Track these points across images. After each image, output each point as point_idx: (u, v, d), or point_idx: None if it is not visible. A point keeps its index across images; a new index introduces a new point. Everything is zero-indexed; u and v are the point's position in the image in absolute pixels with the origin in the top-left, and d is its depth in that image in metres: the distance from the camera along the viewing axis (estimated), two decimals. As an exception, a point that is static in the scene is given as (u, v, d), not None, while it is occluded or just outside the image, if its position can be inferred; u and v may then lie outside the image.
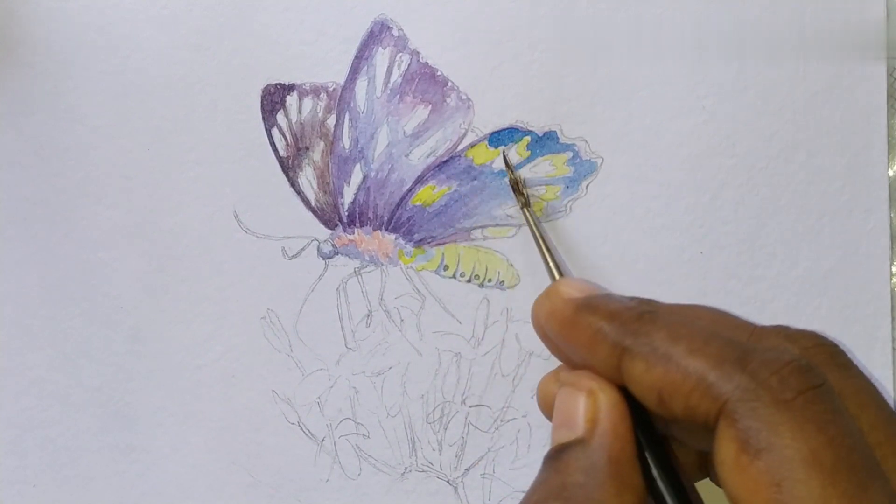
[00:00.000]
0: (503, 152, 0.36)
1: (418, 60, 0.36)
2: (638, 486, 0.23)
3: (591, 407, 0.24)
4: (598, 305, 0.25)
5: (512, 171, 0.35)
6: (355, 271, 0.37)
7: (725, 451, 0.21)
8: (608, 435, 0.24)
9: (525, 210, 0.34)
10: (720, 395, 0.21)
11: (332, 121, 0.36)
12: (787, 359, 0.22)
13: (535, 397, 0.29)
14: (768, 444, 0.21)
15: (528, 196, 0.35)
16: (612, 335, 0.24)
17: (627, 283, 0.35)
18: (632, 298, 0.25)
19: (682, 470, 0.24)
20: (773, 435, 0.21)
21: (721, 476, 0.22)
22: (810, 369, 0.22)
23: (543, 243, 0.33)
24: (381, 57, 0.36)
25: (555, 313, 0.26)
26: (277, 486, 0.37)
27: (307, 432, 0.37)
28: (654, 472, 0.23)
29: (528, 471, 0.37)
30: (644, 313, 0.24)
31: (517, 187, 0.35)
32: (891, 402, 0.24)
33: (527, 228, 0.36)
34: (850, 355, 0.24)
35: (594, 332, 0.24)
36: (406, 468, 0.37)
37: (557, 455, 0.24)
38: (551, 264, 0.32)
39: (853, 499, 0.20)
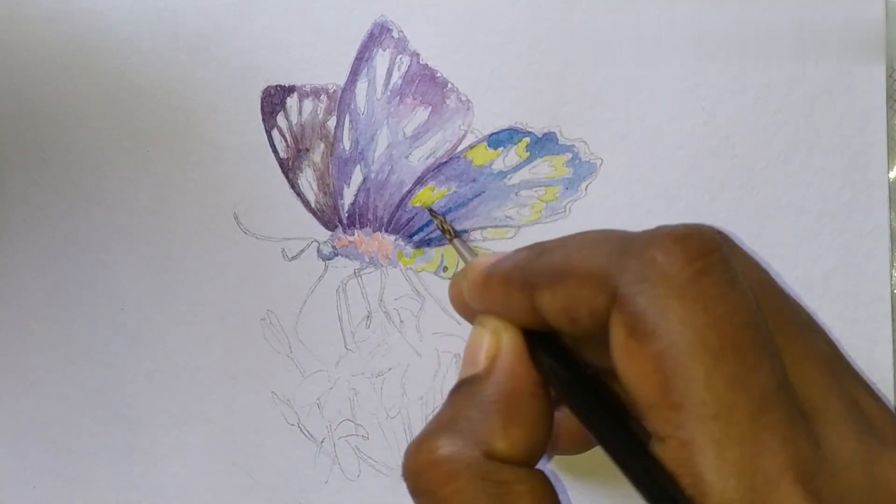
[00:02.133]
0: (430, 211, 0.36)
1: (418, 62, 0.36)
2: (531, 423, 0.23)
3: (493, 345, 0.24)
4: (501, 263, 0.25)
5: (435, 216, 0.36)
6: (355, 272, 0.37)
7: (616, 336, 0.21)
8: (504, 372, 0.24)
9: (453, 242, 0.35)
10: (611, 284, 0.21)
11: (332, 122, 0.37)
12: (673, 231, 0.21)
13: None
14: (654, 328, 0.20)
15: (450, 229, 0.36)
16: (519, 280, 0.24)
17: (627, 284, 0.35)
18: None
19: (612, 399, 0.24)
20: (660, 318, 0.20)
21: (615, 365, 0.21)
22: (699, 237, 0.21)
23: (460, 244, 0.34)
24: (381, 59, 0.36)
25: (472, 285, 0.26)
26: (277, 487, 0.37)
27: (307, 433, 0.37)
28: (566, 394, 0.23)
29: (527, 472, 0.37)
30: (540, 249, 0.24)
31: (443, 226, 0.36)
32: None
33: (526, 229, 0.36)
34: (737, 242, 0.23)
35: (504, 287, 0.24)
36: (406, 469, 0.37)
37: (457, 389, 0.24)
38: (466, 255, 0.34)
39: (736, 383, 0.19)
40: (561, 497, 0.23)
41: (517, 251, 0.26)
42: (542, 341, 0.24)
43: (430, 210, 0.36)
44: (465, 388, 0.24)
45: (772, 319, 0.21)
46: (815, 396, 0.21)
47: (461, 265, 0.36)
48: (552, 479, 0.23)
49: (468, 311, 0.27)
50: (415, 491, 0.23)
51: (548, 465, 0.24)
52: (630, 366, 0.20)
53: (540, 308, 0.23)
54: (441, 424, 0.23)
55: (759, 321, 0.21)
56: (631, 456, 0.21)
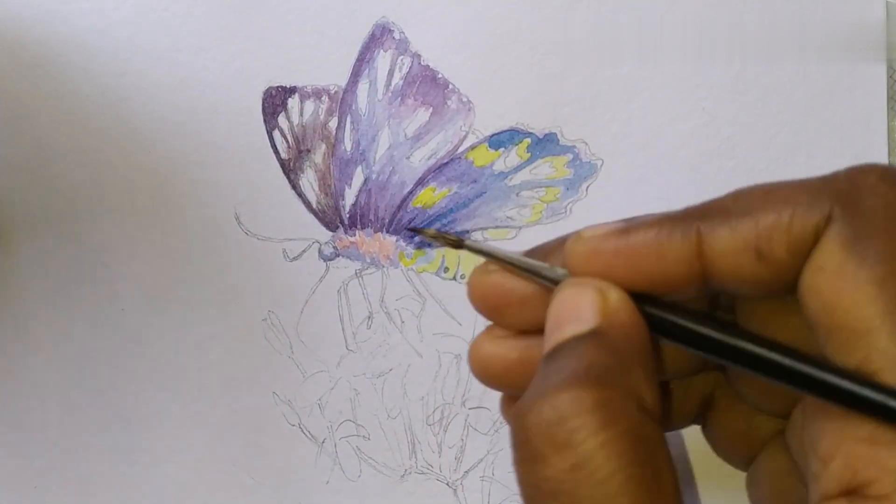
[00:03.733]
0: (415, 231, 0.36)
1: (419, 63, 0.36)
2: (657, 379, 0.22)
3: (601, 302, 0.22)
4: (642, 218, 0.23)
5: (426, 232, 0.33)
6: (356, 273, 0.37)
7: (828, 257, 0.19)
8: (626, 326, 0.22)
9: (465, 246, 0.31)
10: (824, 207, 0.20)
11: (333, 123, 0.37)
12: (877, 167, 0.20)
13: (469, 360, 0.26)
14: (883, 249, 0.19)
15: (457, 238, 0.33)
16: (679, 226, 0.22)
17: (628, 284, 0.35)
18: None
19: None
20: (883, 237, 0.19)
21: (817, 288, 0.20)
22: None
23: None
24: (383, 60, 0.36)
25: (593, 249, 0.23)
26: (278, 487, 0.37)
27: (307, 434, 0.37)
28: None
29: (528, 472, 0.37)
30: (698, 205, 0.22)
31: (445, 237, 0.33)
32: None
33: (526, 230, 0.36)
34: None
35: (658, 237, 0.22)
36: (406, 470, 0.37)
37: (566, 347, 0.22)
38: (486, 251, 0.28)
39: None
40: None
41: (649, 215, 0.23)
42: (645, 300, 0.22)
43: (417, 229, 0.35)
44: (585, 342, 0.21)
45: None
46: None
47: (465, 263, 0.36)
48: None
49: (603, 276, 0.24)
50: (546, 445, 0.20)
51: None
52: (846, 288, 0.19)
53: (713, 252, 0.21)
54: (577, 376, 0.20)
55: None
56: (819, 368, 0.19)
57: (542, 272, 0.24)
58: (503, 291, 0.24)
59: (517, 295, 0.24)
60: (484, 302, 0.25)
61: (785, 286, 0.21)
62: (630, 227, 0.23)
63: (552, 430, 0.20)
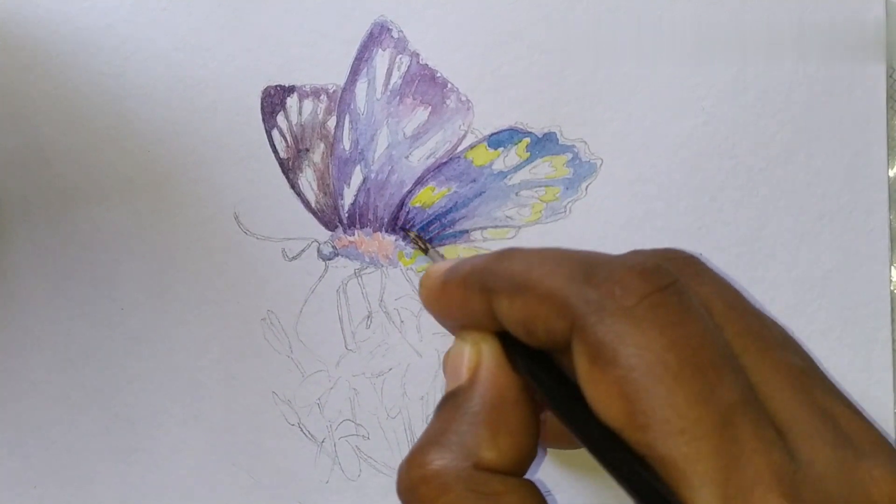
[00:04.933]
0: (404, 232, 0.37)
1: (418, 62, 0.36)
2: (517, 431, 0.23)
3: (473, 356, 0.24)
4: (460, 266, 0.25)
5: (407, 232, 0.36)
6: (355, 273, 0.37)
7: (580, 366, 0.21)
8: (486, 382, 0.24)
9: (429, 253, 0.36)
10: (570, 312, 0.21)
11: (332, 122, 0.37)
12: (631, 265, 0.22)
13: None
14: (614, 355, 0.20)
15: (425, 243, 0.36)
16: (477, 283, 0.24)
17: (627, 284, 0.35)
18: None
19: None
20: (619, 344, 0.20)
21: (583, 391, 0.22)
22: (655, 271, 0.22)
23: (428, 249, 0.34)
24: (381, 59, 0.36)
25: (429, 290, 0.26)
26: (277, 487, 0.37)
27: (307, 433, 0.37)
28: (553, 401, 0.23)
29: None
30: (501, 253, 0.24)
31: (418, 242, 0.36)
32: None
33: (526, 229, 0.36)
34: (705, 264, 0.24)
35: (462, 290, 0.25)
36: (406, 469, 0.37)
37: (443, 403, 0.24)
38: (434, 258, 0.34)
39: (699, 400, 0.20)
40: (549, 501, 0.23)
41: (477, 256, 0.26)
42: (521, 348, 0.24)
43: (402, 228, 0.36)
44: (450, 401, 0.24)
45: (739, 338, 0.22)
46: (787, 410, 0.21)
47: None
48: (541, 489, 0.23)
49: (437, 316, 0.27)
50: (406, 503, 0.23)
51: (536, 475, 0.24)
52: (595, 392, 0.21)
53: (498, 314, 0.23)
54: (430, 439, 0.23)
55: (717, 342, 0.21)
56: (620, 461, 0.21)
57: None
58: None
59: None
60: (429, 309, 0.27)
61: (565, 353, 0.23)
62: (448, 276, 0.25)
63: (408, 494, 0.23)
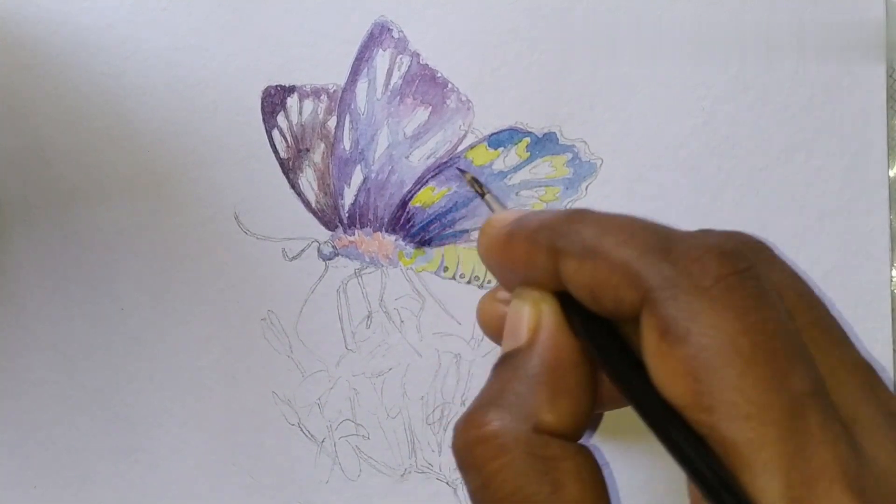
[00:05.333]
0: (463, 173, 0.36)
1: (418, 62, 0.36)
2: (576, 395, 0.23)
3: (533, 316, 0.24)
4: (528, 220, 0.25)
5: (464, 173, 0.35)
6: (355, 272, 0.37)
7: (648, 339, 0.21)
8: (546, 344, 0.24)
9: (485, 198, 0.34)
10: (643, 284, 0.21)
11: (332, 122, 0.37)
12: (710, 244, 0.21)
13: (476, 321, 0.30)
14: (686, 333, 0.20)
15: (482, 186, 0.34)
16: (545, 241, 0.24)
17: (627, 284, 0.35)
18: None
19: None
20: (692, 323, 0.20)
21: (647, 365, 0.21)
22: (734, 254, 0.21)
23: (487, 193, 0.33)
24: (382, 59, 0.36)
25: (491, 240, 0.26)
26: (277, 487, 0.37)
27: (307, 433, 0.37)
28: (611, 373, 0.23)
29: (527, 472, 0.37)
30: (573, 214, 0.24)
31: (474, 185, 0.34)
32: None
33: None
34: (777, 252, 0.24)
35: (529, 244, 0.24)
36: (406, 469, 0.37)
37: (501, 363, 0.24)
38: (497, 206, 0.32)
39: (770, 387, 0.20)
40: (605, 472, 0.23)
41: (544, 211, 0.25)
42: (582, 311, 0.24)
43: (459, 169, 0.36)
44: (508, 361, 0.24)
45: (807, 330, 0.22)
46: (852, 405, 0.21)
47: (464, 262, 0.36)
48: (597, 455, 0.23)
49: (496, 267, 0.27)
50: (463, 466, 0.23)
51: (590, 441, 0.24)
52: (661, 367, 0.21)
53: (563, 275, 0.23)
54: (488, 399, 0.23)
55: (790, 330, 0.21)
56: (678, 438, 0.21)
57: None
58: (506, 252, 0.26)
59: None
60: (488, 260, 0.27)
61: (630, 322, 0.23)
62: (515, 229, 0.25)
63: (465, 453, 0.23)
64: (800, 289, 0.23)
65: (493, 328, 0.28)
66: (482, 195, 0.33)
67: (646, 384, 0.22)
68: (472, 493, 0.23)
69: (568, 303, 0.24)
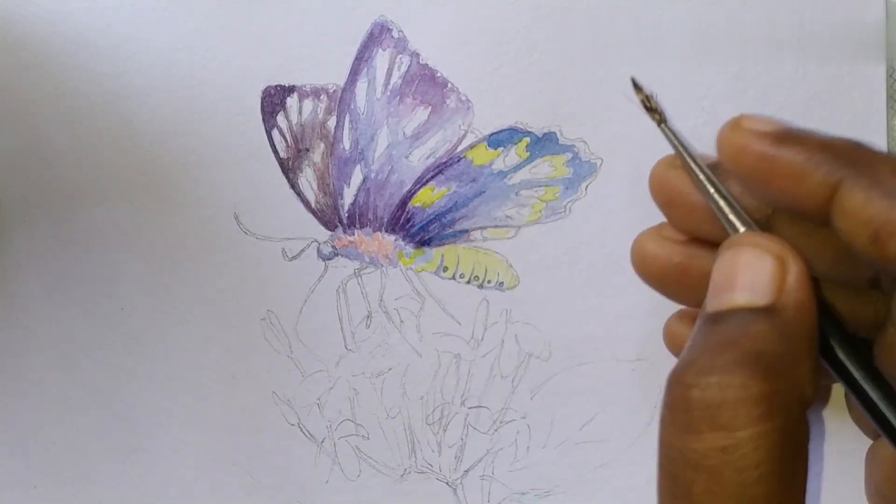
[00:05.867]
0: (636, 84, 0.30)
1: (418, 62, 0.36)
2: (817, 376, 0.21)
3: (780, 275, 0.21)
4: (803, 135, 0.22)
5: (639, 91, 0.29)
6: (355, 272, 0.37)
7: None
8: (803, 309, 0.21)
9: (662, 127, 0.29)
10: None
11: (332, 122, 0.37)
12: None
13: (664, 341, 0.28)
14: None
15: (661, 112, 0.29)
16: (826, 165, 0.21)
17: (627, 284, 0.35)
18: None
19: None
20: None
21: None
22: None
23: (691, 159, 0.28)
24: (381, 59, 0.36)
25: (745, 146, 0.23)
26: (277, 487, 0.37)
27: (307, 433, 0.37)
28: (841, 356, 0.21)
29: (527, 472, 0.37)
30: (860, 145, 0.21)
31: (648, 104, 0.29)
32: None
33: (526, 229, 0.36)
34: None
35: (803, 163, 0.21)
36: (405, 469, 0.37)
37: (733, 317, 0.21)
38: (680, 142, 0.27)
39: None
40: None
41: (814, 132, 0.22)
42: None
43: (634, 81, 0.29)
44: (760, 319, 0.21)
45: None
46: None
47: (464, 262, 0.36)
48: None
49: (742, 175, 0.23)
50: (702, 421, 0.20)
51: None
52: None
53: (841, 209, 0.21)
54: (746, 358, 0.20)
55: None
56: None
57: (725, 213, 0.24)
58: (682, 192, 0.25)
59: (697, 200, 0.25)
60: (661, 193, 0.25)
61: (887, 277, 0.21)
62: (785, 138, 0.22)
63: (714, 410, 0.20)
64: None
65: (653, 273, 0.25)
66: (659, 123, 0.29)
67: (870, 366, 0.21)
68: (701, 453, 0.20)
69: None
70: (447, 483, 0.37)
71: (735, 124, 0.23)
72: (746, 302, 0.21)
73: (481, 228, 0.36)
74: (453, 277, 0.37)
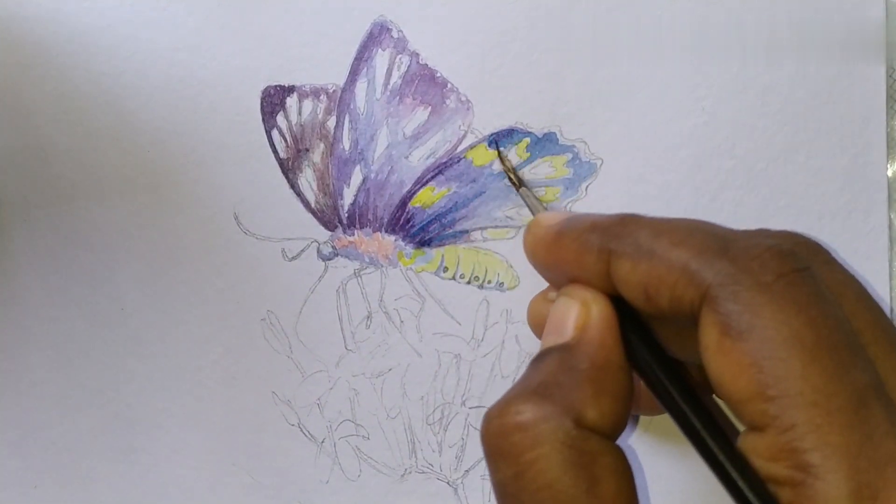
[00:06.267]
0: (496, 146, 0.36)
1: (418, 62, 0.36)
2: (618, 395, 0.23)
3: (581, 315, 0.24)
4: (579, 221, 0.25)
5: (504, 161, 0.35)
6: (355, 273, 0.37)
7: (708, 336, 0.21)
8: (594, 342, 0.24)
9: (520, 191, 0.35)
10: (702, 282, 0.22)
11: (331, 122, 0.37)
12: (769, 244, 0.22)
13: (528, 321, 0.31)
14: (749, 326, 0.21)
15: (519, 177, 0.35)
16: (597, 242, 0.24)
17: (627, 284, 0.35)
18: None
19: (690, 382, 0.24)
20: (754, 317, 0.21)
21: (705, 362, 0.22)
22: (791, 254, 0.22)
23: (527, 191, 0.34)
24: (381, 59, 0.36)
25: (538, 240, 0.26)
26: (277, 487, 0.37)
27: (307, 434, 0.37)
28: (651, 379, 0.24)
29: (527, 472, 0.37)
30: (625, 217, 0.24)
31: (509, 174, 0.35)
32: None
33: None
34: (834, 255, 0.24)
35: (579, 245, 0.25)
36: (406, 470, 0.37)
37: (541, 357, 0.24)
38: (535, 203, 0.33)
39: (834, 377, 0.20)
40: (636, 474, 0.23)
41: (592, 214, 0.26)
42: (626, 316, 0.24)
43: (499, 152, 0.35)
44: (552, 355, 0.24)
45: (868, 330, 0.22)
46: None
47: (464, 263, 0.36)
48: (630, 457, 0.23)
49: (543, 267, 0.27)
50: (495, 453, 0.23)
51: (629, 440, 0.24)
52: (724, 363, 0.21)
53: (616, 276, 0.23)
54: (528, 389, 0.23)
55: (848, 328, 0.21)
56: (718, 447, 0.21)
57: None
58: (551, 256, 0.27)
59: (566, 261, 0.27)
60: (537, 326, 0.28)
61: (681, 321, 0.23)
62: (564, 226, 0.25)
63: (499, 440, 0.22)
64: (858, 291, 0.23)
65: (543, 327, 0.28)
66: (517, 187, 0.34)
67: (685, 388, 0.22)
68: (501, 483, 0.22)
69: (618, 306, 0.24)
70: (448, 483, 0.37)
71: (531, 224, 0.27)
72: (552, 342, 0.25)
73: (481, 229, 0.36)
74: (453, 278, 0.37)
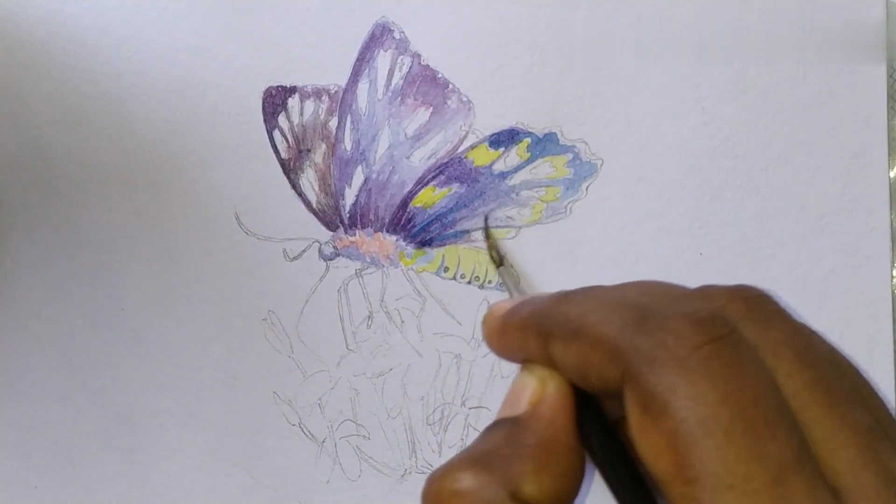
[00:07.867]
0: (485, 222, 0.37)
1: (419, 63, 0.36)
2: (563, 473, 0.23)
3: (537, 391, 0.24)
4: (519, 309, 0.25)
5: (488, 237, 0.36)
6: (356, 273, 0.37)
7: (631, 414, 0.21)
8: (544, 419, 0.24)
9: (500, 270, 0.36)
10: (621, 361, 0.21)
11: (333, 123, 0.37)
12: (685, 313, 0.21)
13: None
14: (665, 406, 0.20)
15: (501, 255, 0.36)
16: (534, 328, 0.24)
17: (628, 284, 0.36)
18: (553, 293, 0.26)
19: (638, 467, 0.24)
20: (671, 395, 0.20)
21: (632, 441, 0.21)
22: (709, 321, 0.21)
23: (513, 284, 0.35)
24: (383, 59, 0.36)
25: (490, 329, 0.26)
26: (278, 487, 0.37)
27: (308, 434, 0.37)
28: (600, 460, 0.23)
29: (528, 472, 0.37)
30: (560, 296, 0.24)
31: (490, 252, 0.36)
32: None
33: (526, 229, 0.36)
34: (778, 304, 0.23)
35: (522, 332, 0.25)
36: (406, 470, 0.37)
37: (492, 427, 0.24)
38: (511, 285, 0.35)
39: (750, 456, 0.20)
40: None
41: (537, 297, 0.26)
42: (584, 400, 0.24)
43: (486, 228, 0.36)
44: (501, 426, 0.24)
45: (806, 390, 0.21)
46: (848, 471, 0.20)
47: (465, 263, 0.37)
48: None
49: (499, 354, 0.27)
50: None
51: None
52: (645, 442, 0.21)
53: (553, 358, 0.23)
54: (472, 457, 0.23)
55: (772, 397, 0.21)
56: None
57: None
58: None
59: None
60: (491, 348, 0.27)
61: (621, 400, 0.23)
62: (508, 319, 0.26)
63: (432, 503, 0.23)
64: (800, 345, 0.22)
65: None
66: (497, 266, 0.36)
67: (627, 467, 0.22)
68: None
69: (579, 396, 0.24)
70: (448, 483, 0.37)
71: (486, 315, 0.27)
72: (506, 414, 0.24)
73: (482, 229, 0.36)
74: (454, 278, 0.37)
